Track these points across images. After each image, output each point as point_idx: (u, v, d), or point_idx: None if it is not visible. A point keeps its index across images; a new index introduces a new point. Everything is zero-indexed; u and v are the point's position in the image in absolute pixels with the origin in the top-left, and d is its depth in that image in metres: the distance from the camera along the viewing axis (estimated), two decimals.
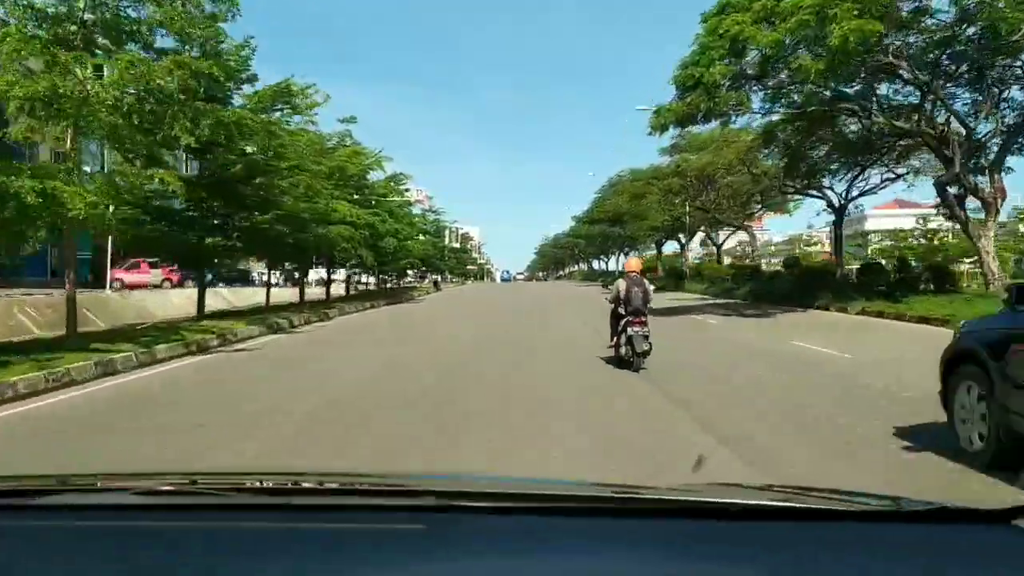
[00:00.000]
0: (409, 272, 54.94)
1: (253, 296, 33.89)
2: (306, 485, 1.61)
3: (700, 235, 53.32)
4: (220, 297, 30.71)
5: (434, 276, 57.91)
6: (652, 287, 10.51)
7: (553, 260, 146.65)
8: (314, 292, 33.24)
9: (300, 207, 20.81)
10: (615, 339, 10.13)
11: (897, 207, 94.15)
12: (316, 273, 40.51)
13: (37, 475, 1.80)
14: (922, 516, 1.25)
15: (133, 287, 31.19)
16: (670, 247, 58.30)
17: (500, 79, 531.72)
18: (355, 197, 27.23)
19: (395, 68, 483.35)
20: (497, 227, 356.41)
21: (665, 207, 43.30)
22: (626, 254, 75.40)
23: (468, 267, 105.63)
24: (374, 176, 31.34)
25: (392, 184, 30.88)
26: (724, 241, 49.10)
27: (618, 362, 10.02)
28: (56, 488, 1.48)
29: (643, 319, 9.71)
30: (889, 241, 44.51)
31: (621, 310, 9.87)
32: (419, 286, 55.51)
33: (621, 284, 10.01)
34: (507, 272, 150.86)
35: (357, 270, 40.90)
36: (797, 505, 1.37)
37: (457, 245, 77.13)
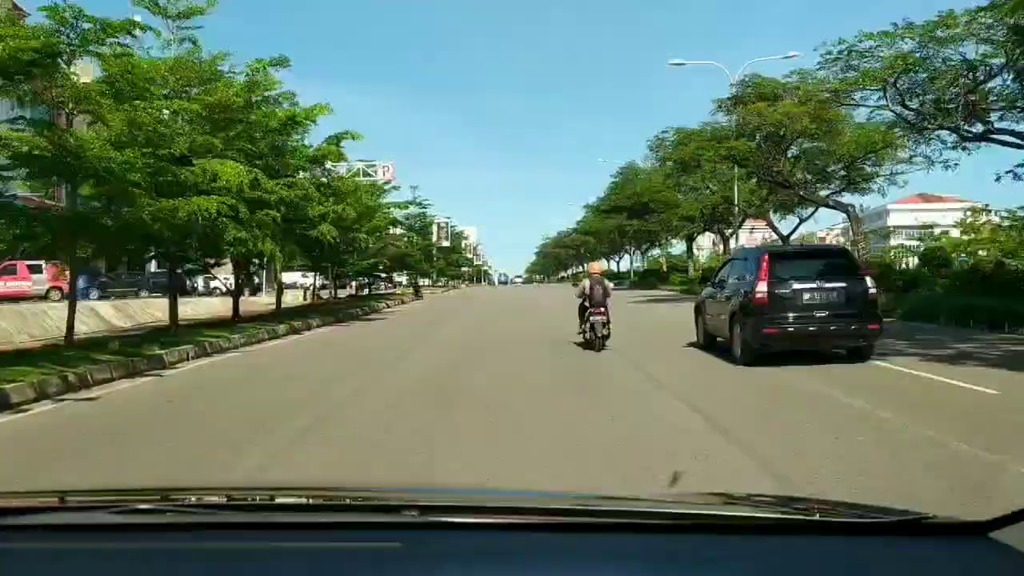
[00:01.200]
0: (384, 276, 45.03)
1: (146, 311, 24.15)
2: (284, 501, 1.63)
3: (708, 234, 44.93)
4: (97, 315, 21.19)
5: (414, 280, 47.76)
6: (612, 286, 14.23)
7: (555, 261, 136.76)
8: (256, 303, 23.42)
9: (112, 156, 11.11)
10: (582, 326, 13.00)
11: (921, 201, 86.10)
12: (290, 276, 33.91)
13: (5, 492, 1.84)
14: (900, 528, 1.27)
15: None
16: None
17: (503, 82, 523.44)
18: (263, 166, 17.15)
19: (394, 70, 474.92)
20: (497, 230, 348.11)
21: (715, 183, 33.35)
22: (645, 252, 65.80)
23: (462, 269, 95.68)
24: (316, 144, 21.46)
25: (334, 148, 20.13)
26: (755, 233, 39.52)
27: (585, 344, 12.74)
28: (27, 507, 1.45)
29: (603, 310, 12.49)
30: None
31: (586, 303, 12.83)
32: (397, 292, 45.46)
33: (586, 283, 13.09)
34: (504, 275, 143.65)
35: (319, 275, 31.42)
36: (775, 517, 1.42)
37: (447, 243, 66.93)
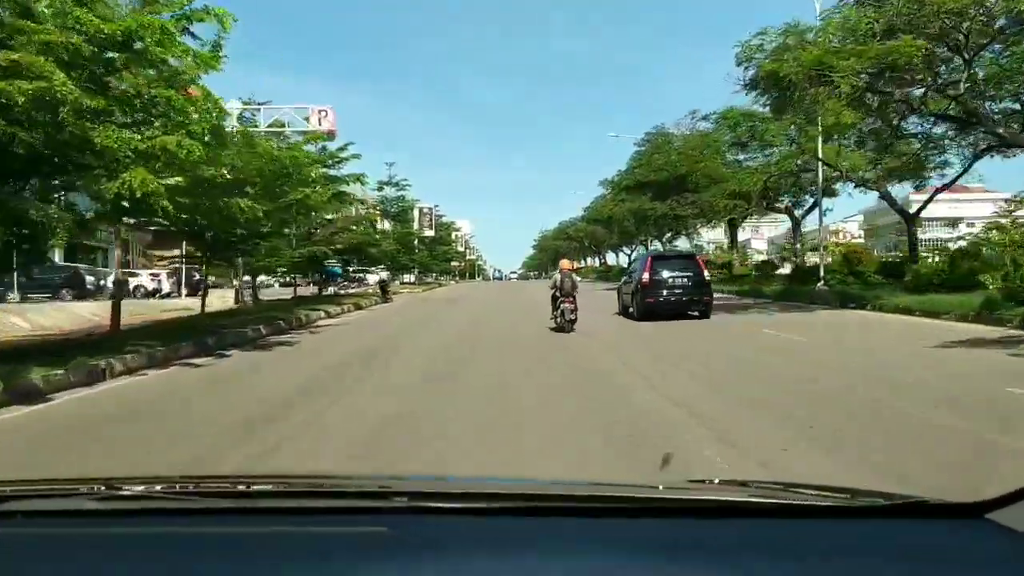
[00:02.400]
0: (345, 271, 34.81)
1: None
2: (270, 488, 1.62)
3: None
4: None
5: (382, 277, 37.55)
6: (579, 279, 20.56)
7: (554, 255, 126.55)
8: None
9: None
10: (554, 312, 15.32)
11: (951, 192, 78.68)
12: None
13: None
14: (897, 511, 1.27)
15: None
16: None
17: (496, 79, 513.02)
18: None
19: (388, 66, 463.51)
20: (492, 226, 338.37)
21: (805, 138, 23.18)
22: (670, 241, 55.58)
23: (451, 263, 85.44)
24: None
25: (152, 22, 9.82)
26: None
27: (557, 328, 15.01)
28: (7, 494, 1.41)
29: (571, 299, 14.84)
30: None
31: (557, 293, 15.19)
32: (356, 293, 35.20)
33: (557, 276, 15.66)
34: (499, 271, 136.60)
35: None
36: (772, 502, 1.39)
37: (431, 232, 56.59)
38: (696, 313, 17.53)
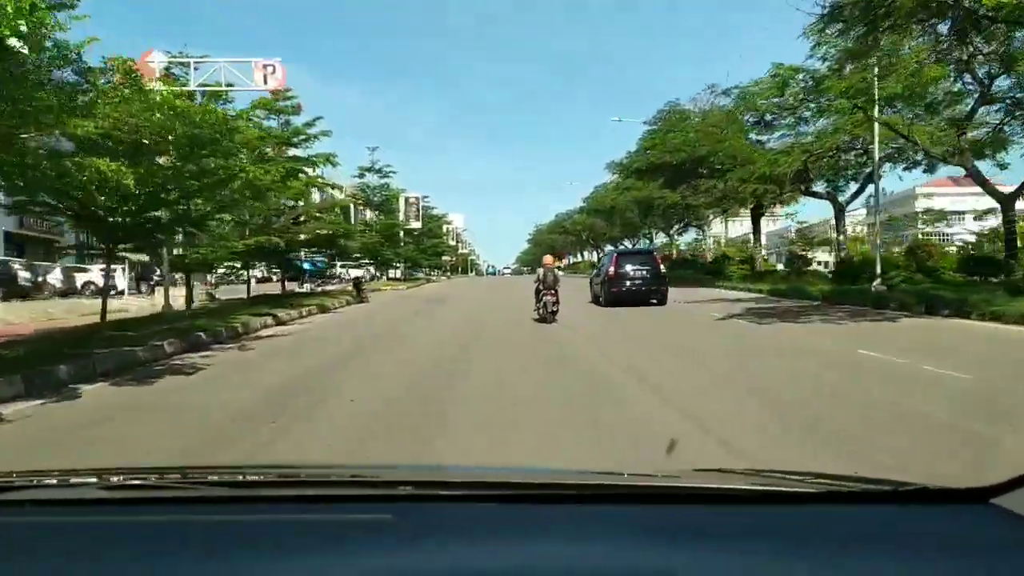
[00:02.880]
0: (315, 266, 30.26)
1: None
2: (274, 478, 1.62)
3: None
4: None
5: (356, 274, 33.17)
6: (562, 274, 22.52)
7: (549, 249, 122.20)
8: None
9: None
10: (537, 304, 16.50)
11: (953, 184, 76.63)
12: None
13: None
14: (900, 497, 1.27)
15: None
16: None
17: (492, 74, 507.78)
18: None
19: (382, 62, 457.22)
20: (487, 221, 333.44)
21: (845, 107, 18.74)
22: (678, 234, 51.40)
23: (442, 257, 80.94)
24: None
25: None
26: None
27: (540, 319, 16.23)
28: (18, 484, 1.43)
29: (553, 292, 16.12)
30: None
31: (540, 287, 16.39)
32: (344, 290, 30.74)
33: (540, 271, 16.89)
34: (492, 266, 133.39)
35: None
36: (778, 489, 1.40)
37: (418, 224, 52.03)
38: (654, 300, 20.94)
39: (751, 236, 33.46)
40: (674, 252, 53.41)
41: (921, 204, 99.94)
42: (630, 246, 68.39)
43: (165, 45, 28.78)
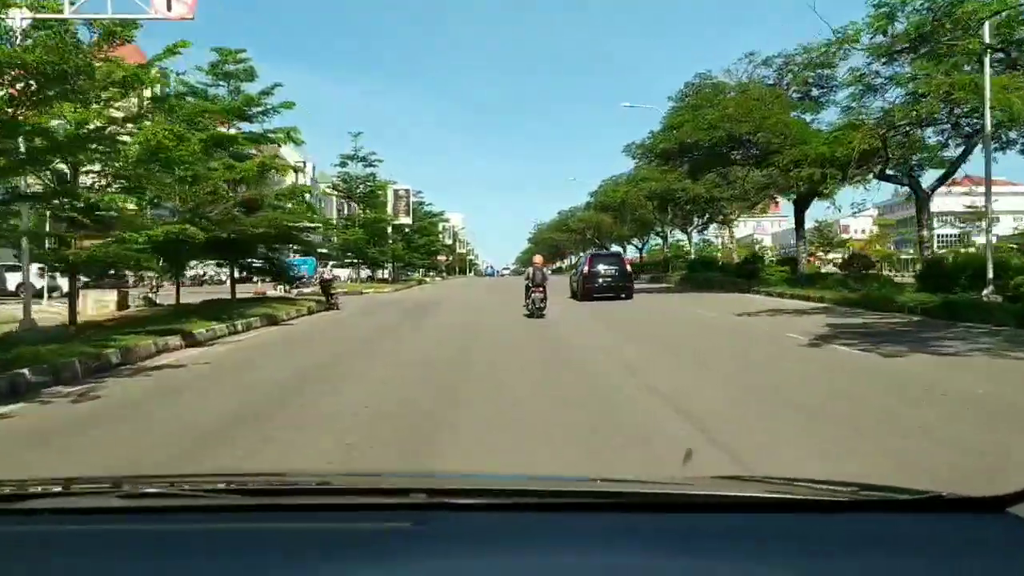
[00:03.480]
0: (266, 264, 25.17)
1: None
2: (291, 486, 1.63)
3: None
4: None
5: (323, 272, 28.22)
6: (550, 272, 23.46)
7: (551, 248, 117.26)
8: None
9: None
10: (526, 300, 18.00)
11: (972, 184, 72.13)
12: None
13: (13, 480, 1.61)
14: (915, 505, 1.26)
15: None
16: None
17: (489, 72, 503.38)
18: None
19: (381, 59, 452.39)
20: (486, 220, 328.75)
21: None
22: (699, 231, 46.44)
23: (437, 256, 76.03)
24: None
25: None
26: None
27: (529, 314, 17.54)
28: (33, 493, 1.44)
29: (541, 288, 17.53)
30: None
31: (530, 284, 17.97)
32: (295, 298, 25.64)
33: (530, 270, 18.57)
34: (491, 267, 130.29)
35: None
36: (792, 497, 1.39)
37: (408, 219, 46.96)
38: (623, 296, 24.28)
39: (755, 238, 28.50)
40: (691, 252, 48.50)
41: (937, 204, 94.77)
42: (639, 245, 63.71)
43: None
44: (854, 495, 1.40)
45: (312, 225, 23.01)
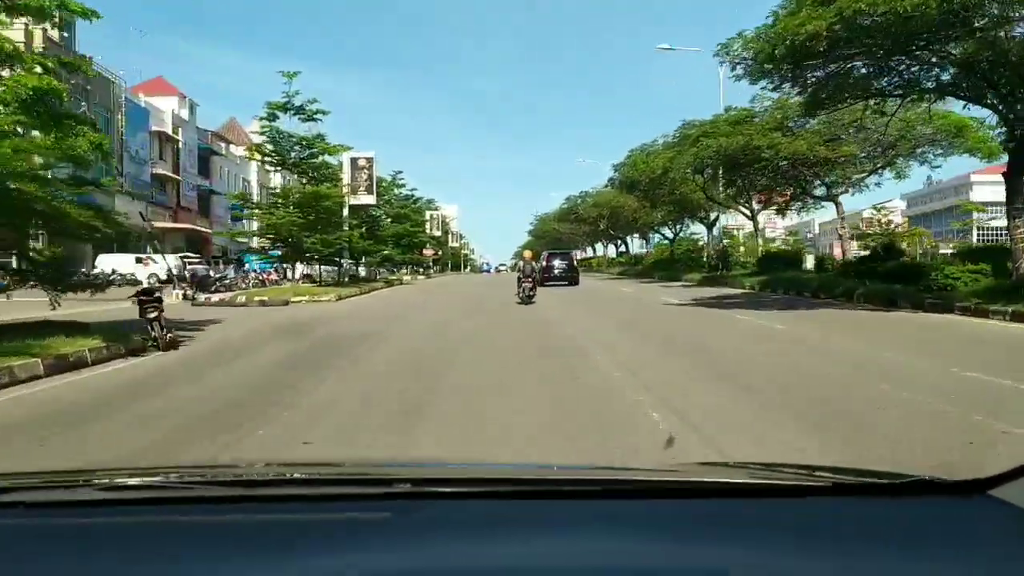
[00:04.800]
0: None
1: None
2: (271, 476, 1.64)
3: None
4: None
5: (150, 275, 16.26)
6: (538, 266, 26.65)
7: (554, 243, 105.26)
8: None
9: None
10: (518, 290, 20.62)
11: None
12: None
13: None
14: (897, 489, 1.27)
15: None
16: None
17: (487, 66, 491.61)
18: None
19: (378, 56, 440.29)
20: (485, 218, 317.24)
21: None
22: (781, 212, 35.09)
23: (424, 251, 64.02)
24: None
25: None
26: None
27: (520, 302, 19.89)
28: (11, 485, 1.41)
29: (531, 279, 20.37)
30: None
31: (520, 276, 21.03)
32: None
33: (520, 263, 23.54)
34: (487, 263, 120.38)
35: None
36: (775, 482, 1.41)
37: (371, 199, 34.47)
38: (570, 283, 31.89)
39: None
40: (761, 246, 36.68)
41: (979, 193, 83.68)
42: (669, 235, 51.86)
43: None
44: (835, 480, 1.41)
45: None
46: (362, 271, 44.19)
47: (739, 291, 25.94)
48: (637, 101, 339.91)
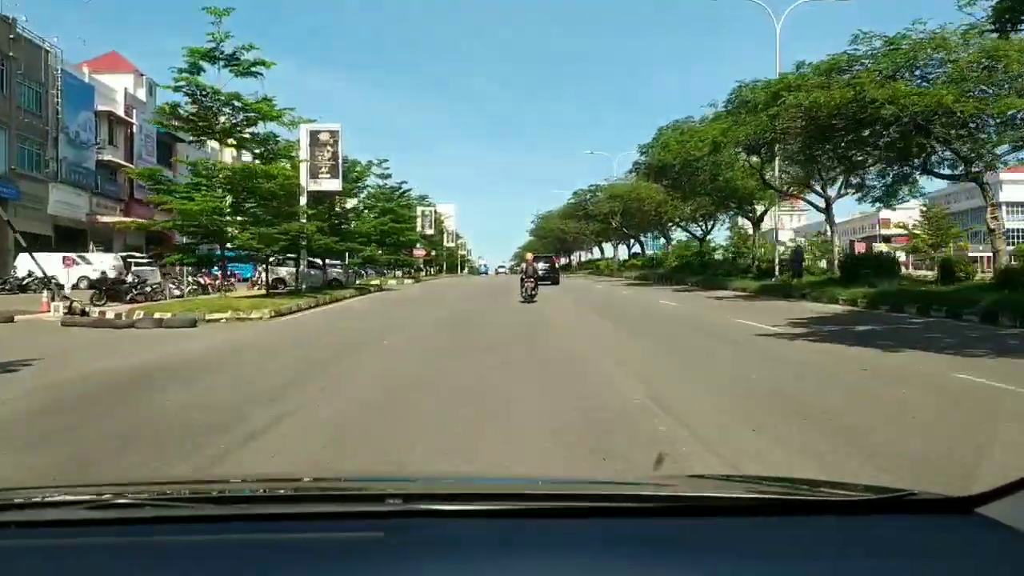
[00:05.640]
0: None
1: None
2: (265, 493, 1.59)
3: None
4: None
5: None
6: (540, 267, 31.50)
7: (555, 242, 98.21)
8: None
9: None
10: (521, 289, 23.17)
11: None
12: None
13: None
14: (885, 506, 1.26)
15: None
16: None
17: (486, 66, 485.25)
18: None
19: (378, 55, 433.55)
20: (485, 219, 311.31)
21: None
22: (885, 197, 27.58)
23: (413, 251, 56.85)
24: None
25: None
26: None
27: (523, 300, 22.33)
28: (1, 504, 1.39)
29: (533, 280, 23.23)
30: None
31: (523, 276, 23.83)
32: None
33: (523, 265, 26.35)
34: (484, 265, 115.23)
35: None
36: (765, 498, 1.41)
37: (336, 185, 26.76)
38: (551, 282, 36.53)
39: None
40: (814, 251, 29.34)
41: (1007, 194, 77.90)
42: (699, 232, 44.53)
43: None
44: (822, 495, 1.43)
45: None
46: (335, 273, 37.10)
47: (836, 308, 18.73)
48: (637, 101, 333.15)
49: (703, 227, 42.72)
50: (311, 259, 35.11)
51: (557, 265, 35.34)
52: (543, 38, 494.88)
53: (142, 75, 51.61)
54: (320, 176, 25.53)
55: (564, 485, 1.74)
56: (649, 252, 60.66)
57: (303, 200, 25.71)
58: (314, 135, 25.65)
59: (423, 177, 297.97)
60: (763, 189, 28.84)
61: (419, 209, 63.48)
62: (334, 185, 25.63)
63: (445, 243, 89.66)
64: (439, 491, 1.47)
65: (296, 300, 21.08)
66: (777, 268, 28.54)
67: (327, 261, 39.19)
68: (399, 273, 56.87)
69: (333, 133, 25.51)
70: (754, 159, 26.05)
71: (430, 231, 64.61)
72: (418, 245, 59.88)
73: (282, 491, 1.56)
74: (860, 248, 43.00)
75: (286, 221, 23.22)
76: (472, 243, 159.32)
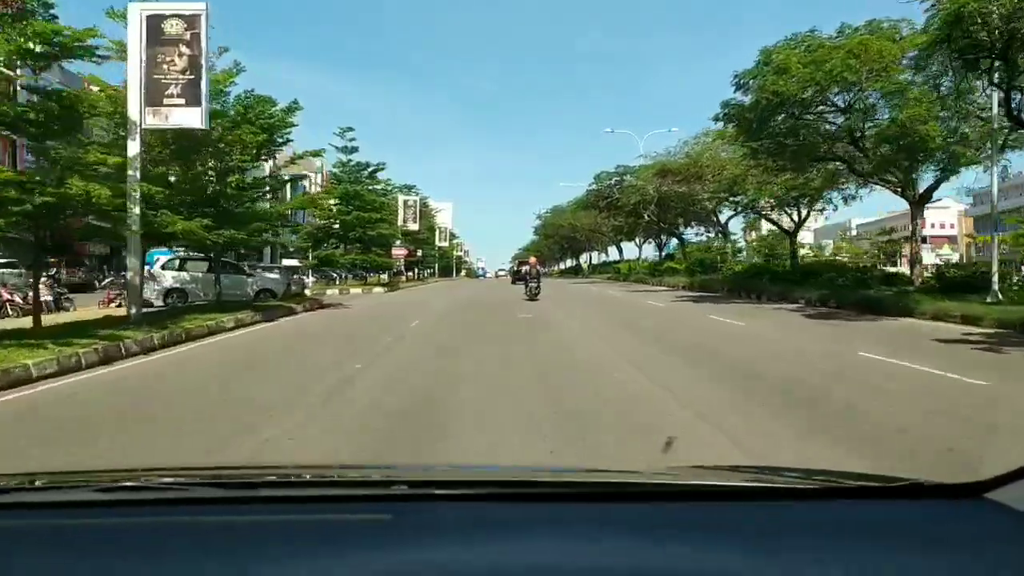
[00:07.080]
0: None
1: None
2: (272, 478, 1.58)
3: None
4: None
5: None
6: (544, 270, 44.73)
7: (564, 241, 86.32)
8: None
9: None
10: (526, 289, 26.90)
11: None
12: None
13: None
14: (894, 492, 1.25)
15: None
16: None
17: (484, 66, 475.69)
18: None
19: (377, 55, 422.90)
20: (483, 219, 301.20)
21: None
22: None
23: (394, 250, 44.71)
24: None
25: None
26: None
27: (528, 298, 25.66)
28: (9, 486, 1.37)
29: (536, 280, 26.69)
30: None
31: (527, 278, 27.58)
32: None
33: (524, 268, 31.03)
34: (483, 268, 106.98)
35: None
36: (771, 485, 1.38)
37: (195, 120, 14.82)
38: (535, 283, 30.74)
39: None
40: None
41: None
42: (787, 225, 32.35)
43: None
44: (831, 483, 1.39)
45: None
46: (270, 279, 25.02)
47: None
48: (637, 99, 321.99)
49: (793, 215, 30.35)
50: (225, 259, 22.95)
51: (538, 270, 31.33)
52: (543, 38, 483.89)
53: None
54: (165, 101, 13.39)
55: (564, 472, 1.77)
56: (679, 250, 48.53)
57: (133, 145, 13.51)
58: (156, 25, 13.51)
59: (423, 177, 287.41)
60: (982, 136, 16.69)
61: (401, 198, 51.26)
62: (190, 118, 13.49)
63: (437, 242, 77.33)
64: (443, 478, 1.50)
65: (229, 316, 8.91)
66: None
67: (274, 263, 27.18)
68: (369, 278, 44.63)
69: (190, 21, 13.38)
70: (975, 82, 13.87)
71: (414, 226, 52.30)
72: (398, 243, 47.66)
73: (292, 478, 1.55)
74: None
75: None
76: (472, 245, 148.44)
